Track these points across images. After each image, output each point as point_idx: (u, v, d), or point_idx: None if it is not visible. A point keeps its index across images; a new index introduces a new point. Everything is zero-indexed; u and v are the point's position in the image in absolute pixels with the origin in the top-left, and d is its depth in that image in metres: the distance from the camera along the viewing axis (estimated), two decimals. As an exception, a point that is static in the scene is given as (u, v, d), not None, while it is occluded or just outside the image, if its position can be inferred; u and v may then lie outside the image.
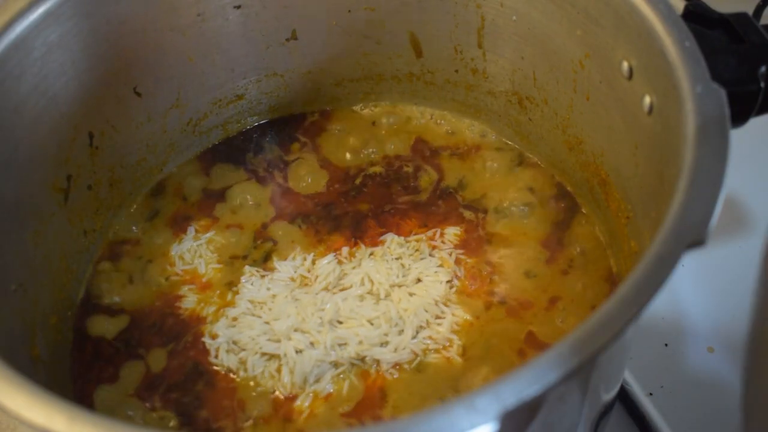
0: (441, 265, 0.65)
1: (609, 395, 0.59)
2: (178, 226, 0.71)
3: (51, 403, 0.38)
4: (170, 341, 0.63)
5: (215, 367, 0.61)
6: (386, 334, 0.61)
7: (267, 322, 0.62)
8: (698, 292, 0.75)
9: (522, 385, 0.36)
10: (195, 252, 0.68)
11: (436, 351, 0.61)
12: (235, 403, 0.59)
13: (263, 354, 0.60)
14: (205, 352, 0.62)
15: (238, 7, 0.70)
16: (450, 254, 0.66)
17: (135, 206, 0.73)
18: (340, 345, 0.60)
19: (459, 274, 0.65)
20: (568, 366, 0.37)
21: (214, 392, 0.60)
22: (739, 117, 0.51)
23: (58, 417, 0.38)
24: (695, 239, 0.40)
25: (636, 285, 0.39)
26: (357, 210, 0.71)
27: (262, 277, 0.66)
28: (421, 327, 0.61)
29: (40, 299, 0.60)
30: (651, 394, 0.68)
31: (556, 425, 0.50)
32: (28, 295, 0.58)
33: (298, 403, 0.59)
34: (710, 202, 0.41)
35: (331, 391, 0.59)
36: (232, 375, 0.61)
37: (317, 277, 0.65)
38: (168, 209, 0.72)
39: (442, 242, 0.67)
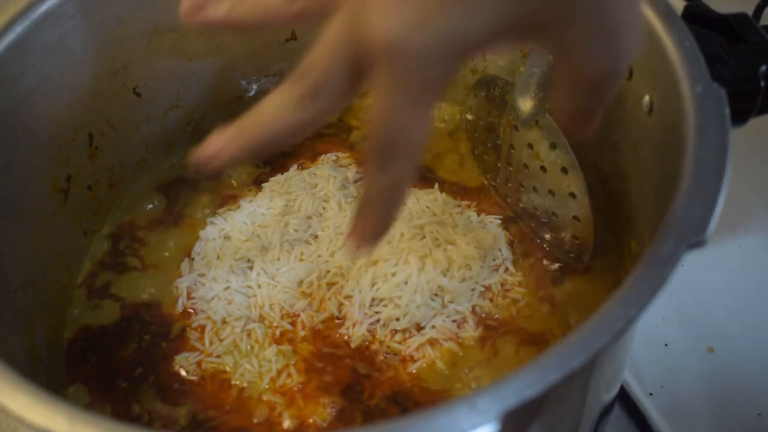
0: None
1: (609, 395, 0.59)
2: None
3: (52, 404, 0.38)
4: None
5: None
6: None
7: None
8: (698, 292, 0.75)
9: (523, 386, 0.36)
10: None
11: None
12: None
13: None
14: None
15: (238, 7, 0.70)
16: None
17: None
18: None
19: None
20: (569, 366, 0.37)
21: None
22: (739, 117, 0.52)
23: (59, 418, 0.37)
24: (696, 240, 0.40)
25: (636, 285, 0.39)
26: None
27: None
28: None
29: (40, 300, 0.60)
30: (651, 394, 0.68)
31: (556, 425, 0.50)
32: (28, 296, 0.58)
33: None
34: (711, 203, 0.41)
35: None
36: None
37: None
38: None
39: None
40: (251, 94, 0.76)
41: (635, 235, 0.58)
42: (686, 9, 0.55)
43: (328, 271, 0.63)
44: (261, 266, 0.64)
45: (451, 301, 0.61)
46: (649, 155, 0.54)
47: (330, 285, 0.63)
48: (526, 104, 0.60)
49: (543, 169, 0.62)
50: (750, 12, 0.79)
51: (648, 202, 0.54)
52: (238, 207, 0.69)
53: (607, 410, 0.61)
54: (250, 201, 0.69)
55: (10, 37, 0.57)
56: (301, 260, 0.64)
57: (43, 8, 0.58)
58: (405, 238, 0.64)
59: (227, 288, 0.63)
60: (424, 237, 0.64)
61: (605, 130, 0.62)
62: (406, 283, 0.61)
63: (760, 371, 0.70)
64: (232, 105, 0.76)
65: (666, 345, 0.72)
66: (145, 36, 0.67)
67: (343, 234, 0.65)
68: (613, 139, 0.61)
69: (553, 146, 0.61)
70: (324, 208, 0.67)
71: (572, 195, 0.61)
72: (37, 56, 0.59)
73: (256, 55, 0.73)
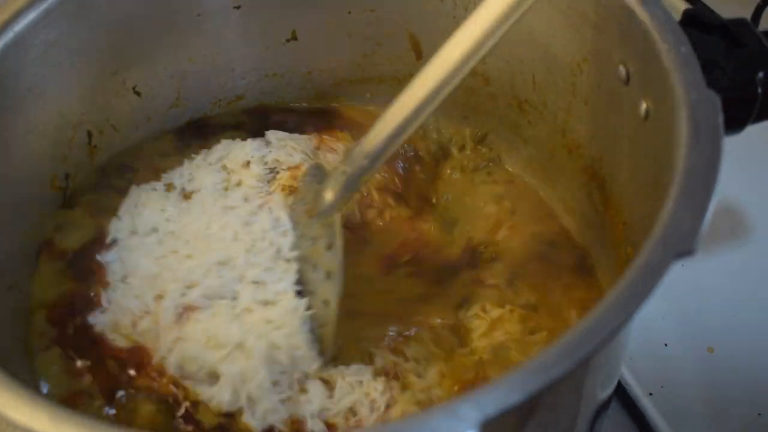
0: None
1: (605, 393, 0.59)
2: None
3: (34, 402, 0.38)
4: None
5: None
6: None
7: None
8: (698, 292, 0.74)
9: (503, 394, 0.36)
10: None
11: None
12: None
13: None
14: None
15: (238, 7, 0.70)
16: None
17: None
18: None
19: None
20: (551, 375, 0.37)
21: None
22: (737, 123, 0.51)
23: (41, 416, 0.38)
24: (684, 248, 0.40)
25: (623, 294, 0.39)
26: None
27: None
28: None
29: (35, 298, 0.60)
30: (651, 394, 0.68)
31: (551, 425, 0.50)
32: (23, 294, 0.59)
33: None
34: (700, 211, 0.41)
35: None
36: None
37: None
38: None
39: None
40: (251, 94, 0.76)
41: (631, 242, 0.58)
42: (685, 13, 0.54)
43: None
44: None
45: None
46: (644, 162, 0.54)
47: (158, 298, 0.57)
48: (327, 195, 0.59)
49: (314, 266, 0.59)
50: (750, 12, 0.78)
51: (643, 208, 0.53)
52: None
53: (603, 407, 0.60)
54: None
55: (10, 35, 0.57)
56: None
57: (43, 6, 0.59)
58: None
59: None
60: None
61: (603, 135, 0.62)
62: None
63: (760, 371, 0.69)
64: (232, 105, 0.76)
65: (666, 345, 0.72)
66: (145, 35, 0.67)
67: (191, 241, 0.59)
68: (610, 144, 0.61)
69: (329, 247, 0.58)
70: None
71: (325, 302, 0.57)
72: (37, 54, 0.59)
73: (256, 55, 0.73)
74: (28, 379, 0.52)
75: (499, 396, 0.36)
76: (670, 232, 0.41)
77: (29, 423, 0.37)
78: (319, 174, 0.64)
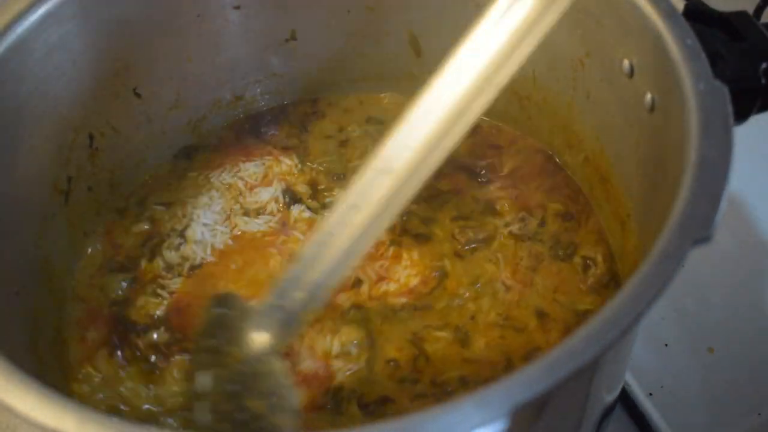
0: None
1: (611, 396, 0.59)
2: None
3: (61, 404, 0.38)
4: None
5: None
6: None
7: None
8: (698, 292, 0.75)
9: (533, 381, 0.37)
10: None
11: None
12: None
13: None
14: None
15: (238, 7, 0.70)
16: None
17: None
18: None
19: None
20: (579, 361, 0.37)
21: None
22: (740, 115, 0.52)
23: (69, 418, 0.37)
24: (702, 234, 0.40)
25: (644, 281, 0.40)
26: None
27: None
28: None
29: (41, 301, 0.60)
30: (651, 394, 0.68)
31: (559, 427, 0.50)
32: (30, 298, 0.58)
33: None
34: (716, 198, 0.41)
35: None
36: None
37: None
38: None
39: None
40: (251, 94, 0.76)
41: (635, 233, 0.59)
42: (687, 7, 0.55)
43: None
44: None
45: None
46: (651, 153, 0.54)
47: None
48: (261, 337, 0.49)
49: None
50: (750, 11, 0.79)
51: (650, 199, 0.54)
52: None
53: (608, 412, 0.61)
54: None
55: (11, 37, 0.57)
56: None
57: (44, 9, 0.58)
58: None
59: None
60: None
61: (606, 129, 0.63)
62: None
63: (760, 371, 0.70)
64: (232, 105, 0.76)
65: (666, 345, 0.72)
66: (145, 36, 0.66)
67: None
68: (614, 137, 0.61)
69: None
70: None
71: None
72: (38, 57, 0.58)
73: (256, 55, 0.73)
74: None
75: (529, 382, 0.36)
76: (686, 219, 0.41)
77: (57, 425, 0.37)
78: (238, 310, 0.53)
